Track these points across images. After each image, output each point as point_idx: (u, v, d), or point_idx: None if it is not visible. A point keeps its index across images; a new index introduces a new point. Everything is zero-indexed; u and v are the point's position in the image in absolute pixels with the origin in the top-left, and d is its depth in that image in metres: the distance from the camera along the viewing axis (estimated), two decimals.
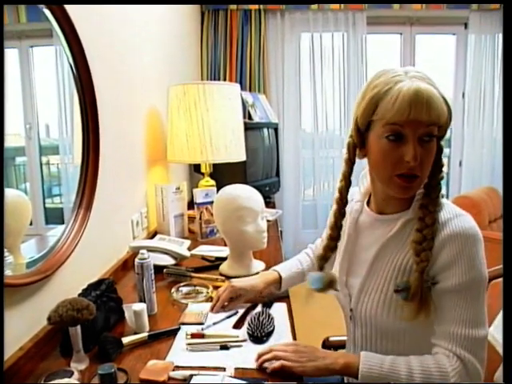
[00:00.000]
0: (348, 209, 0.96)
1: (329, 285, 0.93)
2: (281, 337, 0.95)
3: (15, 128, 0.92)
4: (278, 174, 2.87)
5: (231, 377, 0.80)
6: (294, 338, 0.98)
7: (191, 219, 1.88)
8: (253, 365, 0.84)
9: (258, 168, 2.53)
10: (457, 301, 0.77)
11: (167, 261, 1.38)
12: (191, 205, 1.88)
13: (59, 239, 1.04)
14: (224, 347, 0.91)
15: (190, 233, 1.84)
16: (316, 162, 3.50)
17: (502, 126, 3.25)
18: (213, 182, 1.99)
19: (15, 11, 0.89)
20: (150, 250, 1.24)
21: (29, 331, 0.90)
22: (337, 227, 0.94)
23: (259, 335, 0.94)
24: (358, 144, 0.87)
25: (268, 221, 1.58)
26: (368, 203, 0.96)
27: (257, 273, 1.26)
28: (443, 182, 0.85)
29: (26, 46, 0.94)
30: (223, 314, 1.07)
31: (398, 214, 0.88)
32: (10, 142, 0.87)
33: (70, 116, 1.13)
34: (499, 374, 0.96)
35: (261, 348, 0.88)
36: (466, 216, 0.82)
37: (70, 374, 0.77)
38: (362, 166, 0.94)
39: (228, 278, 1.25)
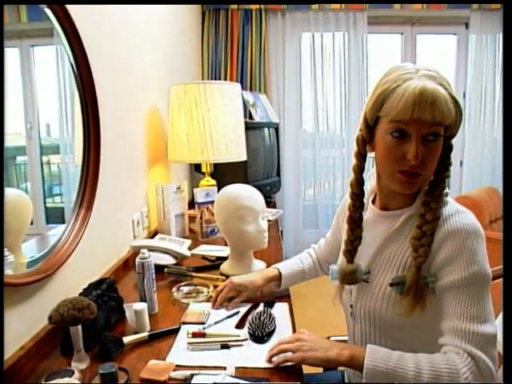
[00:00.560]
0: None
1: (350, 276, 0.90)
2: (282, 336, 0.95)
3: (16, 127, 0.92)
4: (278, 174, 2.87)
5: (232, 376, 0.80)
6: None
7: (192, 219, 1.89)
8: (254, 364, 0.84)
9: (259, 168, 2.53)
10: (460, 297, 0.75)
11: (168, 260, 1.38)
12: (192, 204, 1.88)
13: (60, 239, 1.05)
14: (225, 346, 0.91)
15: (190, 232, 1.84)
16: (317, 161, 3.50)
17: (502, 126, 3.25)
18: (213, 182, 2.00)
19: (16, 11, 0.89)
20: (151, 249, 1.24)
21: (30, 330, 0.90)
22: (352, 220, 0.93)
23: (260, 335, 0.94)
24: (367, 138, 0.87)
25: (269, 220, 1.58)
26: (373, 201, 0.97)
27: None
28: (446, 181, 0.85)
29: (27, 45, 0.93)
30: (224, 314, 1.07)
31: (401, 209, 0.88)
32: (10, 141, 0.87)
33: (70, 115, 1.13)
34: (499, 375, 0.96)
35: (261, 348, 0.88)
36: (468, 213, 0.82)
37: (71, 374, 0.77)
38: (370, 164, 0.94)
39: (228, 277, 1.25)
